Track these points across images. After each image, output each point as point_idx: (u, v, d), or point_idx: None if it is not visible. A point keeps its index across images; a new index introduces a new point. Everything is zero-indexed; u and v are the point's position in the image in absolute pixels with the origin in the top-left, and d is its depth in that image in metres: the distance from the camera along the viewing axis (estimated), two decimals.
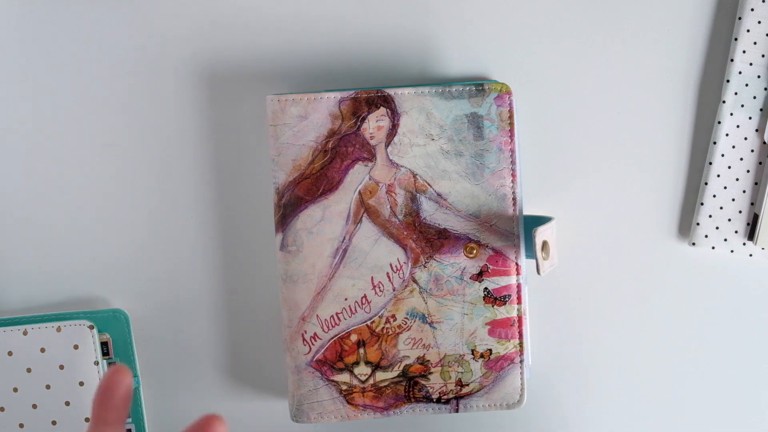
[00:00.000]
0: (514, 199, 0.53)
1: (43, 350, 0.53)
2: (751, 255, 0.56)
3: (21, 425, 0.53)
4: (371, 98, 0.53)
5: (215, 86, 0.56)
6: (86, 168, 0.56)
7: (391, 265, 0.53)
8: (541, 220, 0.53)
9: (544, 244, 0.51)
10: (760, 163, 0.56)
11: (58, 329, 0.53)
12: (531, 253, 0.52)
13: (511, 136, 0.53)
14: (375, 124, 0.53)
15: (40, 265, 0.56)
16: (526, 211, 0.55)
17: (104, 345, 0.54)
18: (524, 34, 0.56)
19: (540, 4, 0.56)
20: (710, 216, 0.56)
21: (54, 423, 0.53)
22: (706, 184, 0.56)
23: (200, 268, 0.56)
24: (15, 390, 0.53)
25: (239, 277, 0.57)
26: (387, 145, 0.53)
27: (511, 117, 0.52)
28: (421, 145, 0.53)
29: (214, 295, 0.57)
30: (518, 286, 0.53)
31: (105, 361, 0.54)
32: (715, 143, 0.56)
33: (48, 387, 0.53)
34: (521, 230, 0.53)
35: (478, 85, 0.52)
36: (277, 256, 0.53)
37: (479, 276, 0.53)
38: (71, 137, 0.56)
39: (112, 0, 0.55)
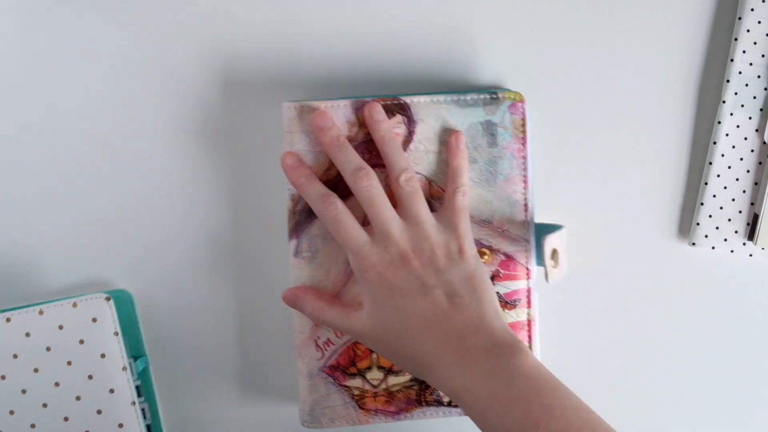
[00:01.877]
0: (525, 205, 0.53)
1: (61, 327, 0.53)
2: (751, 255, 0.56)
3: (44, 405, 0.53)
4: (387, 106, 0.52)
5: (231, 91, 0.56)
6: (102, 166, 0.56)
7: None
8: (551, 228, 0.53)
9: (554, 252, 0.52)
10: (760, 163, 0.56)
11: (74, 305, 0.53)
12: (541, 260, 0.52)
13: (524, 144, 0.53)
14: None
15: (58, 250, 0.56)
16: (536, 218, 0.55)
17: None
18: (529, 41, 0.56)
19: (545, 10, 0.56)
20: (710, 216, 0.56)
21: (78, 398, 0.53)
22: (706, 184, 0.56)
23: (213, 273, 0.57)
24: (35, 370, 0.53)
25: (251, 282, 0.57)
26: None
27: (523, 125, 0.53)
28: (436, 152, 0.53)
29: (226, 299, 0.57)
30: (528, 290, 0.54)
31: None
32: (715, 143, 0.56)
33: (69, 363, 0.53)
34: (532, 236, 0.53)
35: (492, 93, 0.53)
36: (291, 262, 0.53)
37: (491, 280, 0.53)
38: (93, 134, 0.56)
39: (133, 5, 0.56)
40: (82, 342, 0.53)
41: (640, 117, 0.57)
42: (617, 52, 0.56)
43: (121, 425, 0.53)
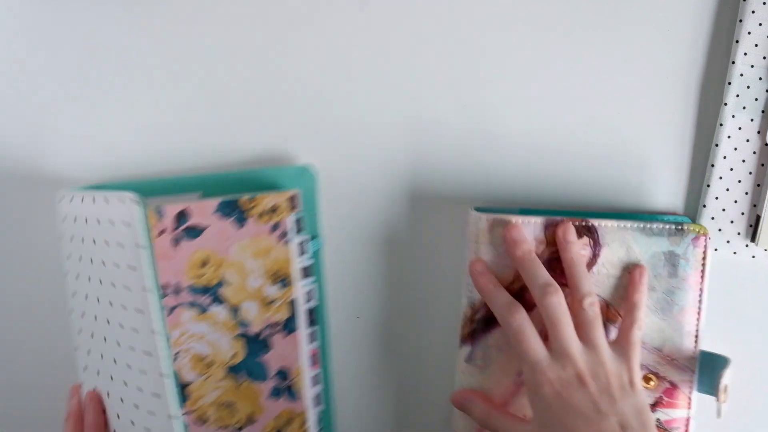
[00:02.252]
0: (696, 336, 0.54)
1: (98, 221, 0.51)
2: (754, 256, 0.56)
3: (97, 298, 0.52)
4: (576, 227, 0.53)
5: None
6: None
7: None
8: (716, 358, 0.53)
9: (725, 387, 0.52)
10: (762, 164, 0.56)
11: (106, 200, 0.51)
12: (703, 387, 0.53)
13: (703, 277, 0.53)
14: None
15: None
16: None
17: (292, 199, 0.53)
18: (534, 53, 0.57)
19: (549, 22, 0.56)
20: (713, 218, 0.56)
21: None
22: (708, 186, 0.56)
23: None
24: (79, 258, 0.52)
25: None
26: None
27: (704, 258, 0.53)
28: (618, 277, 0.53)
29: None
30: (687, 419, 0.54)
31: (294, 215, 0.54)
32: (717, 145, 0.56)
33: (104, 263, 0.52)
34: (697, 366, 0.54)
35: (677, 225, 0.53)
36: (460, 366, 0.54)
37: (653, 407, 0.54)
38: None
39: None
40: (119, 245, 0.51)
41: (641, 119, 0.57)
42: (617, 55, 0.57)
43: (147, 353, 0.51)
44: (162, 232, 0.52)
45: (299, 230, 0.54)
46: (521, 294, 0.53)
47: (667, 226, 0.53)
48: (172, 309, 0.52)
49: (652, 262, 0.53)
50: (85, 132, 0.58)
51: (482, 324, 0.54)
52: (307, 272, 0.55)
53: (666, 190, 0.57)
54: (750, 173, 0.56)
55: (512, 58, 0.57)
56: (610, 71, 0.57)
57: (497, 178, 0.57)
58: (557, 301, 0.50)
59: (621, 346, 0.51)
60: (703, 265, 0.53)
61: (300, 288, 0.54)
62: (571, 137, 0.57)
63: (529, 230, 0.53)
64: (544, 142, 0.57)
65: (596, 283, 0.53)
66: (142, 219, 0.50)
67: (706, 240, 0.53)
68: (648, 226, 0.53)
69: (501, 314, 0.51)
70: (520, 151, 0.57)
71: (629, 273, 0.53)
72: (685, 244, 0.53)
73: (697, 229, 0.53)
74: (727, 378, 0.52)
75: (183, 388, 0.53)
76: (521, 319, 0.50)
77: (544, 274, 0.51)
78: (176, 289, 0.52)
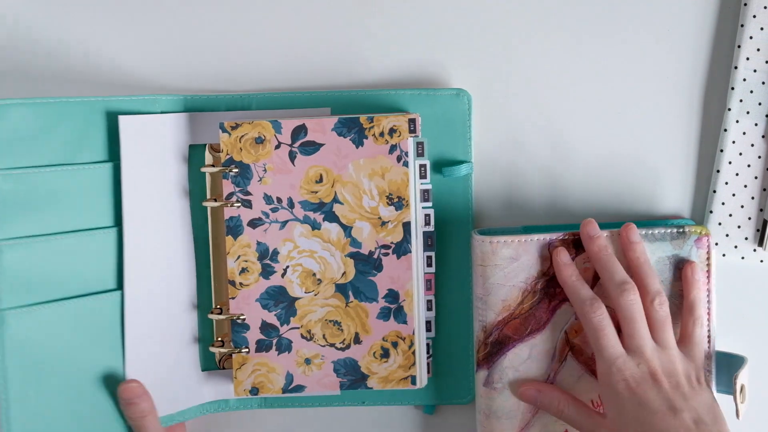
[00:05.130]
0: (709, 337, 0.54)
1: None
2: (762, 261, 0.56)
3: None
4: (579, 241, 0.53)
5: None
6: None
7: (592, 401, 0.54)
8: (732, 358, 0.54)
9: (742, 387, 0.52)
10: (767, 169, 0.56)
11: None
12: (721, 387, 0.53)
13: (709, 277, 0.54)
14: (582, 266, 0.53)
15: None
16: None
17: (413, 122, 0.53)
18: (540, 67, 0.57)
19: (556, 37, 0.57)
20: (720, 224, 0.56)
21: None
22: (714, 192, 0.56)
23: None
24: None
25: None
26: (593, 287, 0.53)
27: (709, 258, 0.54)
28: None
29: None
30: None
31: (414, 138, 0.54)
32: (722, 151, 0.56)
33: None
34: (714, 365, 0.54)
35: (679, 227, 0.54)
36: (479, 391, 0.54)
37: None
38: None
39: None
40: None
41: (646, 125, 0.57)
42: (618, 63, 0.57)
43: None
44: (278, 145, 0.53)
45: (420, 154, 0.54)
46: (532, 315, 0.53)
47: (669, 230, 0.53)
48: (284, 223, 0.53)
49: (658, 267, 0.53)
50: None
51: (497, 348, 0.54)
52: (426, 196, 0.55)
53: (673, 197, 0.57)
54: (756, 177, 0.56)
55: (520, 72, 0.57)
56: (614, 79, 0.57)
57: (512, 192, 0.58)
58: (633, 299, 0.51)
59: (686, 345, 0.52)
60: (708, 265, 0.54)
61: (418, 211, 0.54)
62: (578, 147, 0.57)
63: (533, 248, 0.53)
64: (547, 155, 0.57)
65: (604, 294, 0.53)
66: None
67: (708, 241, 0.53)
68: (650, 231, 0.53)
69: (582, 309, 0.52)
70: (526, 166, 0.57)
71: (683, 273, 0.53)
72: (689, 247, 0.53)
73: (698, 231, 0.54)
74: (744, 377, 0.52)
75: (292, 302, 0.54)
76: (602, 315, 0.51)
77: (620, 270, 0.52)
78: (290, 204, 0.53)
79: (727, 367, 0.54)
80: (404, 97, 0.56)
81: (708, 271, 0.54)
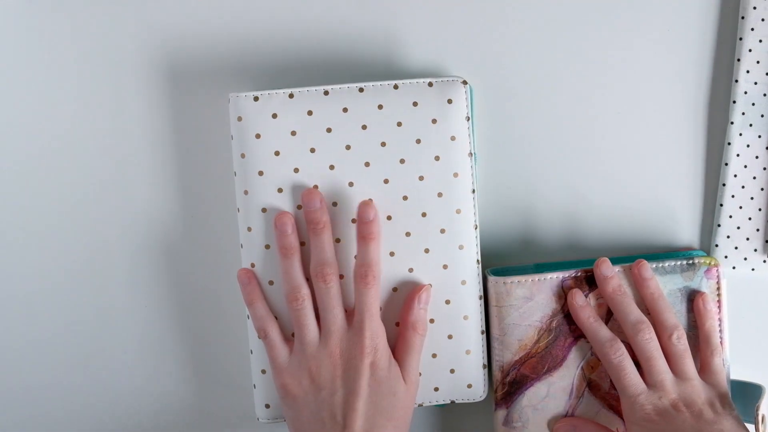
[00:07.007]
0: (723, 365, 0.54)
1: (415, 104, 0.53)
2: None
3: (386, 180, 0.53)
4: (592, 277, 0.54)
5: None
6: None
7: None
8: (748, 386, 0.55)
9: (763, 417, 0.53)
10: None
11: (430, 84, 0.53)
12: (746, 418, 0.54)
13: (720, 307, 0.55)
14: (595, 302, 0.54)
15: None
16: None
17: None
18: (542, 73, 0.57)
19: (564, 43, 0.57)
20: (728, 237, 0.57)
21: (421, 178, 0.53)
22: (721, 205, 0.57)
23: None
24: (383, 144, 0.53)
25: None
26: (606, 321, 0.54)
27: (719, 288, 0.55)
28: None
29: None
30: None
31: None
32: (726, 164, 0.57)
33: (418, 141, 0.53)
34: (729, 393, 0.55)
35: (689, 259, 0.54)
36: (499, 430, 0.55)
37: None
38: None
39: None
40: (434, 122, 0.53)
41: (652, 141, 0.57)
42: (623, 80, 0.57)
43: (458, 211, 0.53)
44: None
45: None
46: (548, 353, 0.54)
47: (679, 263, 0.55)
48: None
49: (671, 299, 0.55)
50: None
51: (515, 387, 0.55)
52: None
53: (681, 214, 0.58)
54: (762, 189, 0.57)
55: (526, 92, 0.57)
56: (612, 96, 0.57)
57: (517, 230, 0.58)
58: (649, 338, 0.53)
59: (707, 374, 0.54)
60: (719, 295, 0.55)
61: None
62: (586, 179, 0.58)
63: (546, 287, 0.54)
64: (556, 186, 0.58)
65: (619, 329, 0.54)
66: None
67: (718, 271, 0.55)
68: (661, 264, 0.54)
69: (602, 350, 0.53)
70: (533, 199, 0.58)
71: (694, 304, 0.54)
72: (699, 278, 0.55)
73: (707, 262, 0.55)
74: (765, 407, 0.53)
75: None
76: (622, 355, 0.53)
77: (635, 310, 0.53)
78: None
79: (743, 396, 0.55)
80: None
81: (719, 301, 0.55)
